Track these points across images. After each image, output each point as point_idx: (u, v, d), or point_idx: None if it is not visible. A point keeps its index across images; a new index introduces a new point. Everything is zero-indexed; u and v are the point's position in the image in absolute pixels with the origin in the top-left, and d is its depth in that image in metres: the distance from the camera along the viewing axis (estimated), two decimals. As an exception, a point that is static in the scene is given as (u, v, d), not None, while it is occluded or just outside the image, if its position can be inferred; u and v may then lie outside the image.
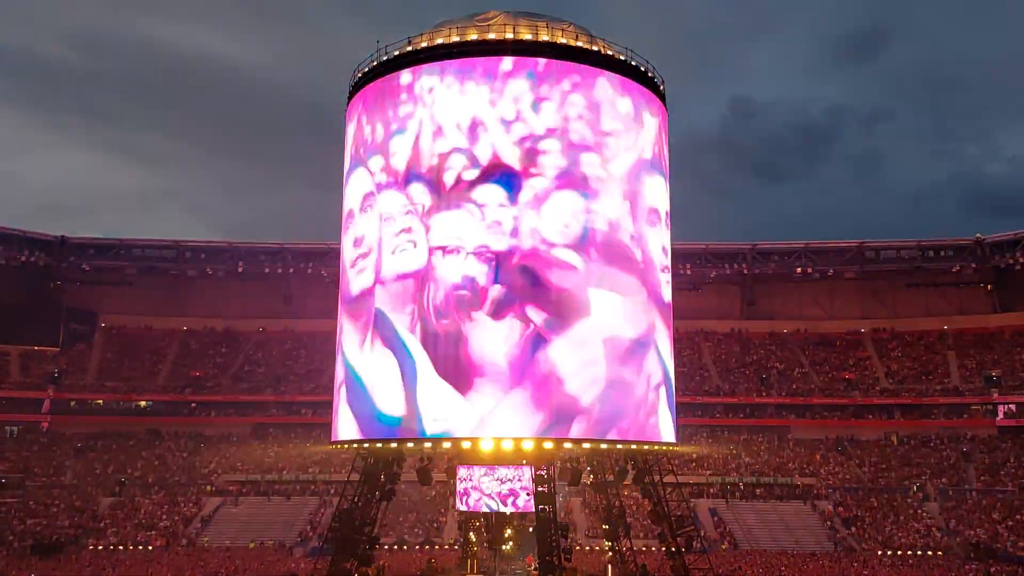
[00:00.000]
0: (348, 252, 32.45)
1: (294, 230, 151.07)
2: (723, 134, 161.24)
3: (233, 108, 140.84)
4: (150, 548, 51.48)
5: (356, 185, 32.27)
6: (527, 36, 31.43)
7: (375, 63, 33.03)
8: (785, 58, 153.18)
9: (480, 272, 28.19)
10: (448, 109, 29.89)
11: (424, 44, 31.90)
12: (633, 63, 32.78)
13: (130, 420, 67.93)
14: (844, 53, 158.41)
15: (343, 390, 32.14)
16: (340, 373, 32.52)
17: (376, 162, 31.34)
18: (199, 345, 74.73)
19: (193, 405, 68.04)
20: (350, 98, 34.66)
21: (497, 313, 28.04)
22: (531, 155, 28.98)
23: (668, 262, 33.88)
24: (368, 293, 30.42)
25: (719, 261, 72.67)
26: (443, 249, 28.63)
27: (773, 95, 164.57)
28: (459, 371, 28.09)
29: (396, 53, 32.40)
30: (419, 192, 29.60)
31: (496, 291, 28.11)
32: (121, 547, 51.43)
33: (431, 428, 28.41)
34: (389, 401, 29.27)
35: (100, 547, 51.28)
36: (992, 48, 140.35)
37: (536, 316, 28.21)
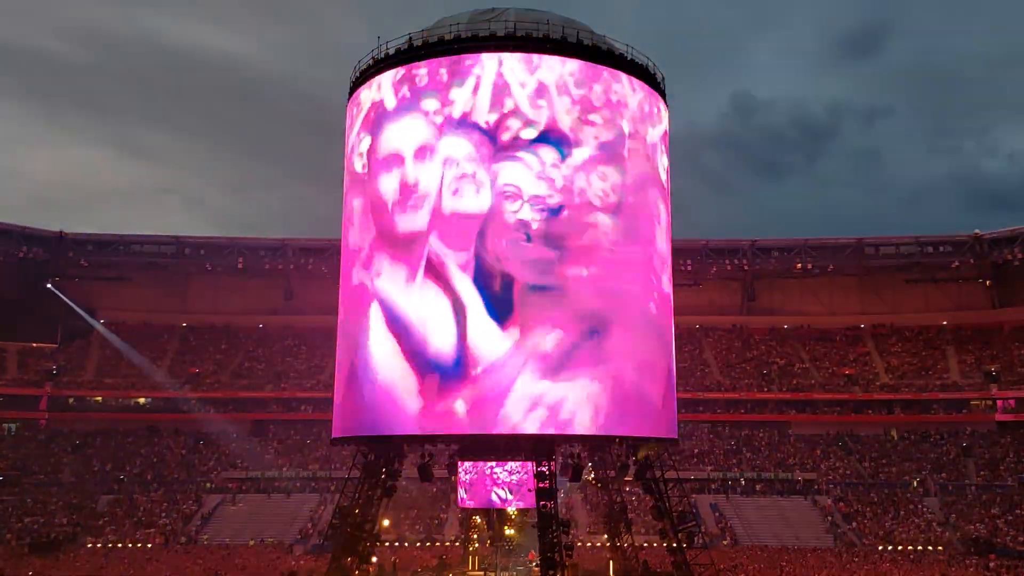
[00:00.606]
0: (390, 192, 31.53)
1: (294, 226, 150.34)
2: (723, 130, 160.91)
3: (233, 103, 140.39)
4: (149, 546, 51.39)
5: (409, 129, 31.39)
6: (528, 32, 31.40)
7: (374, 59, 32.95)
8: (785, 54, 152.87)
9: (534, 219, 29.64)
10: (503, 73, 30.64)
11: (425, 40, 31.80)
12: (634, 60, 32.85)
13: (129, 417, 67.76)
14: (844, 50, 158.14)
15: (379, 340, 31.08)
16: (373, 323, 31.21)
17: (431, 103, 30.98)
18: (199, 341, 74.58)
19: (192, 402, 67.84)
20: (352, 92, 34.51)
21: (544, 262, 29.49)
22: (580, 125, 30.71)
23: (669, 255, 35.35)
24: (421, 233, 30.22)
25: (719, 257, 72.59)
26: (502, 194, 29.73)
27: (773, 91, 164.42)
28: (508, 312, 28.97)
29: (396, 49, 32.34)
30: (477, 140, 30.14)
31: (545, 241, 29.65)
32: (120, 545, 51.35)
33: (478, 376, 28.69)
34: (441, 336, 29.17)
35: (98, 545, 51.20)
36: (991, 45, 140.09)
37: (573, 270, 29.92)
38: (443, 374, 28.94)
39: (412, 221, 30.47)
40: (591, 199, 30.49)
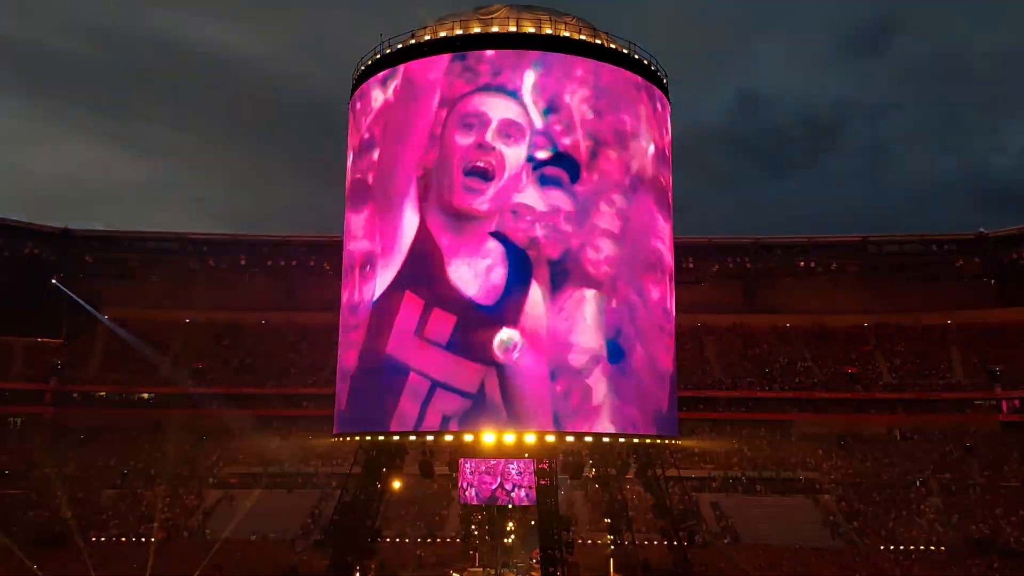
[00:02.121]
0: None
1: (297, 223, 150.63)
2: (729, 127, 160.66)
3: (238, 100, 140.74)
4: (152, 540, 51.56)
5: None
6: (530, 30, 31.39)
7: (378, 55, 32.97)
8: (792, 51, 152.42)
9: (543, 235, 29.83)
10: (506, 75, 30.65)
11: (427, 37, 31.85)
12: (636, 57, 32.80)
13: (133, 412, 67.98)
14: (851, 46, 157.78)
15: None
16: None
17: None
18: (202, 337, 74.69)
19: (195, 397, 68.00)
20: (355, 88, 34.54)
21: (556, 283, 29.74)
22: (592, 150, 30.82)
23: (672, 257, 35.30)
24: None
25: (722, 255, 72.54)
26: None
27: (779, 88, 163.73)
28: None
29: (399, 45, 32.38)
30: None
31: (556, 257, 29.87)
32: (123, 539, 51.53)
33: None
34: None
35: (102, 539, 51.39)
36: (1000, 41, 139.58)
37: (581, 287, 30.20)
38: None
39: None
40: (595, 206, 30.55)
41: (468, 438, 29.87)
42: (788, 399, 67.56)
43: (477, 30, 31.44)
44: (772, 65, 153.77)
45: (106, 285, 75.43)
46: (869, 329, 74.29)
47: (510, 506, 33.89)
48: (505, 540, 39.96)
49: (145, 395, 68.96)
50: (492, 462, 31.89)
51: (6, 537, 49.88)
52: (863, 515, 55.59)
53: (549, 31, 31.42)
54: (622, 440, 32.25)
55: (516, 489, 31.89)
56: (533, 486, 30.61)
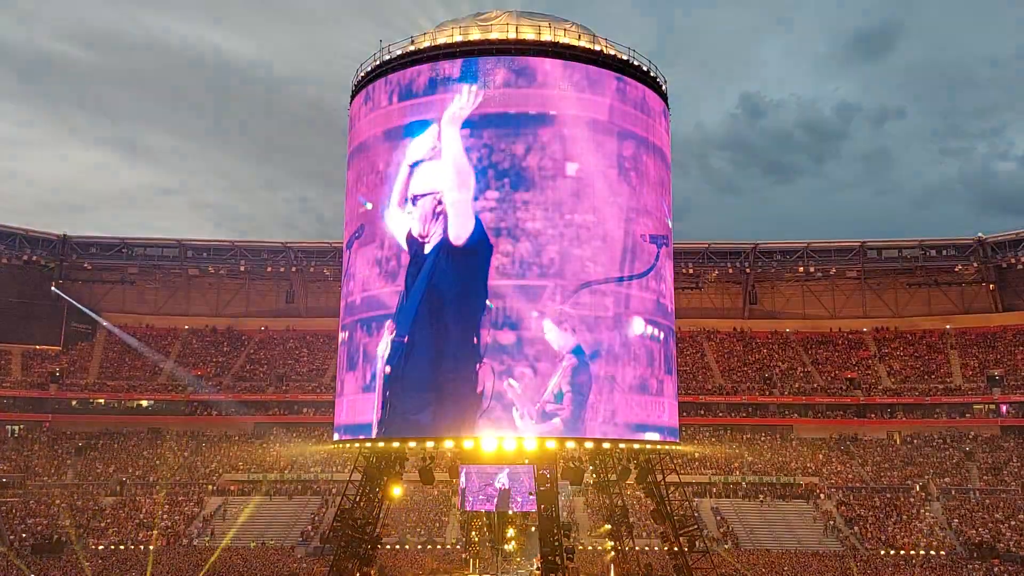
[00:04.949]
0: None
1: (297, 229, 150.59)
2: (732, 132, 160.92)
3: (238, 106, 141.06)
4: (151, 548, 51.44)
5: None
6: (530, 35, 31.47)
7: (378, 61, 33.02)
8: (795, 55, 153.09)
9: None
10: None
11: (427, 43, 31.91)
12: (635, 63, 32.86)
13: (131, 419, 67.92)
14: (854, 51, 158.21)
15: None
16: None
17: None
18: (201, 344, 74.71)
19: (195, 404, 67.95)
20: (355, 94, 34.60)
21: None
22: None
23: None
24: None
25: (721, 260, 72.50)
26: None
27: (783, 92, 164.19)
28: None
29: (399, 51, 32.45)
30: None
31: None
32: (122, 547, 51.40)
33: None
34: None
35: (101, 547, 51.26)
36: (1003, 46, 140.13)
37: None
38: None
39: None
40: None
41: (468, 444, 29.81)
42: (788, 404, 67.67)
43: (476, 36, 31.54)
44: (775, 70, 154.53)
45: (105, 292, 75.47)
46: (868, 334, 74.39)
47: (510, 512, 33.85)
48: (505, 546, 39.90)
49: (144, 402, 68.90)
50: (492, 468, 31.81)
51: (4, 545, 49.84)
52: (863, 520, 55.54)
53: (548, 37, 31.51)
54: (622, 446, 32.20)
55: (516, 495, 31.80)
56: (533, 492, 30.53)
